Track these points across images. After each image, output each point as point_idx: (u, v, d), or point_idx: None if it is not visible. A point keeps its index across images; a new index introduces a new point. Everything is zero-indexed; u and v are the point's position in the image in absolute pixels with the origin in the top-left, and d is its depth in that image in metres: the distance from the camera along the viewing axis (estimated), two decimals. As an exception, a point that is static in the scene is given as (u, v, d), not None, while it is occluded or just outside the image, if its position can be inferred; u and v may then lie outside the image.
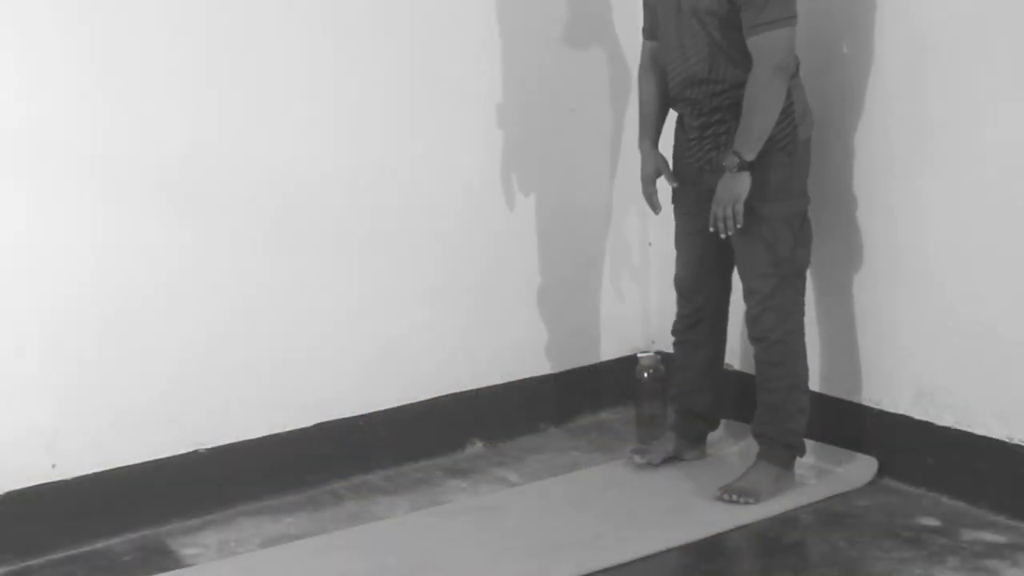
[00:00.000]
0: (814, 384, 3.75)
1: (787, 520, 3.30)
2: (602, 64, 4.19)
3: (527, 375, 4.15)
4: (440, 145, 3.90)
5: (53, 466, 3.31)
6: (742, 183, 3.26)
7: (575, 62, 4.18)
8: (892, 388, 3.55)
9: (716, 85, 3.35)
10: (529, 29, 4.05)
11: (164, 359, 3.45)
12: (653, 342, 4.31)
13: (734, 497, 3.37)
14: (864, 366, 3.62)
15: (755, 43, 3.23)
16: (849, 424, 3.65)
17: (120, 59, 3.32)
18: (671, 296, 3.74)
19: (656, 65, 3.55)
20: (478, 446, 4.01)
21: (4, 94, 3.17)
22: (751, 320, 3.44)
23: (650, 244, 4.33)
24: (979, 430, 3.31)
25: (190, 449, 3.51)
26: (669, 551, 3.15)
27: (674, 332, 3.72)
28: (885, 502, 3.39)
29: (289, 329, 3.65)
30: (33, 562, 3.25)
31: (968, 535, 3.15)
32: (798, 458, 3.50)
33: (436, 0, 3.85)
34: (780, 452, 3.46)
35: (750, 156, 3.25)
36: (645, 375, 4.02)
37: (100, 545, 3.34)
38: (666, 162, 3.59)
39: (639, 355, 4.10)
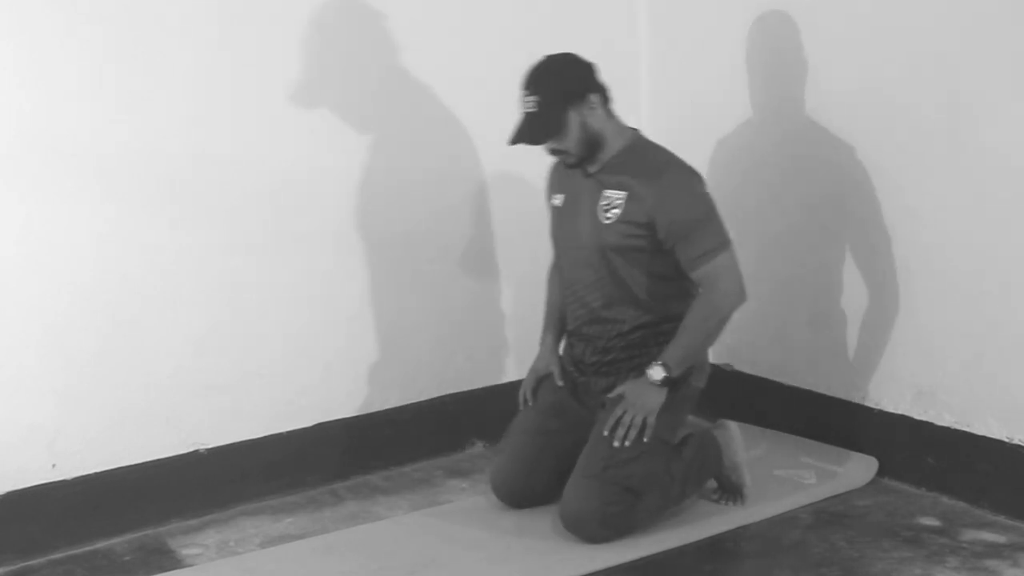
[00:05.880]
0: (815, 384, 3.75)
1: (787, 520, 3.30)
2: (605, 65, 4.18)
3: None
4: (440, 145, 3.90)
5: (53, 466, 3.31)
6: (659, 396, 3.15)
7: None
8: (892, 388, 3.55)
9: (614, 325, 3.26)
10: (531, 32, 4.04)
11: (164, 359, 3.45)
12: (653, 342, 4.30)
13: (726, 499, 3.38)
14: (864, 366, 3.62)
15: (705, 272, 3.11)
16: (849, 424, 3.65)
17: (121, 59, 3.31)
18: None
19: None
20: (478, 446, 4.01)
21: (5, 94, 3.17)
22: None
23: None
24: (979, 430, 3.31)
25: (190, 449, 3.51)
26: (669, 551, 3.15)
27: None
28: (885, 502, 3.39)
29: (289, 329, 3.65)
30: (33, 562, 3.25)
31: (968, 535, 3.16)
32: (790, 456, 3.47)
33: (437, 3, 3.85)
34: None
35: (677, 372, 3.15)
36: (645, 375, 4.01)
37: (100, 545, 3.34)
38: (559, 363, 3.46)
39: (639, 355, 4.10)
